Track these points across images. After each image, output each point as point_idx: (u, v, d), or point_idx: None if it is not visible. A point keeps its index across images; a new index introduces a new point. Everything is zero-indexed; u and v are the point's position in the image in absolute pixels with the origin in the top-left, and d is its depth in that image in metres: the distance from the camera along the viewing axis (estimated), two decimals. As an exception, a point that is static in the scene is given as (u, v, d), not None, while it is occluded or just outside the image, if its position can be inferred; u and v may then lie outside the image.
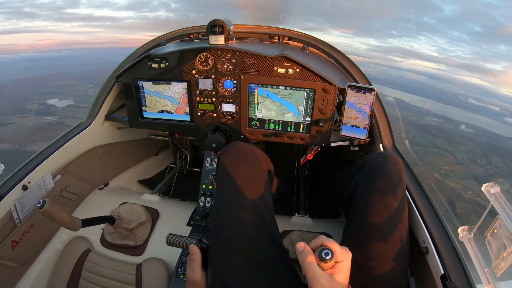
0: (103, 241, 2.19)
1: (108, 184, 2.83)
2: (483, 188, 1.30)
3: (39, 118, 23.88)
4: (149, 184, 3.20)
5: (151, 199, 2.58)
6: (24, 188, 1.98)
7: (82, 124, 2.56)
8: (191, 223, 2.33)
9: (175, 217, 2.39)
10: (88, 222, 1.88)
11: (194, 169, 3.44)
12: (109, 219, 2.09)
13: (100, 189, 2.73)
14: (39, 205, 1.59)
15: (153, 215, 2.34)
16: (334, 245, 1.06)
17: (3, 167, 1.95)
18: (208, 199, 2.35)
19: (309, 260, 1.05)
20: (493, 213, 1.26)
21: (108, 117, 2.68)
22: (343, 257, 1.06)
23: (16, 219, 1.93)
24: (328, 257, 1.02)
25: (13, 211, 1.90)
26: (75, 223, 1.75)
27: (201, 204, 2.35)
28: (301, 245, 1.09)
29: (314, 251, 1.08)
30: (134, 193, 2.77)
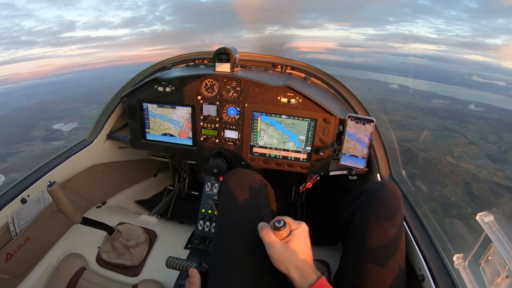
0: (99, 260, 2.14)
1: (105, 202, 2.80)
2: (477, 218, 1.28)
3: (46, 144, 24.18)
4: (146, 205, 3.17)
5: (149, 220, 2.54)
6: (23, 201, 1.94)
7: (84, 141, 2.56)
8: (189, 246, 2.29)
9: (172, 240, 2.35)
10: (88, 222, 1.88)
11: (192, 192, 3.45)
12: (108, 228, 2.06)
13: (97, 207, 2.70)
14: (48, 183, 1.59)
15: (151, 236, 2.31)
16: (287, 218, 1.20)
17: (3, 179, 1.93)
18: (207, 223, 2.33)
19: (265, 230, 1.18)
20: (487, 241, 1.25)
21: (110, 136, 2.68)
22: (296, 225, 1.19)
23: (13, 231, 1.88)
24: (280, 225, 1.15)
25: (10, 223, 1.86)
26: (76, 214, 1.76)
27: (200, 227, 2.33)
28: (261, 223, 1.24)
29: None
30: (132, 213, 2.75)
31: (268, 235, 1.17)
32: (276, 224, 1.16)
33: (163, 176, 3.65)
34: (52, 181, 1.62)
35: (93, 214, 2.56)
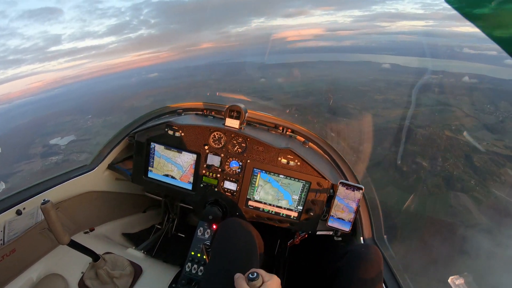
0: (82, 285, 2.13)
1: (94, 229, 2.86)
2: (449, 281, 1.45)
3: (45, 160, 24.12)
4: (133, 239, 3.22)
5: (136, 254, 2.59)
6: (18, 212, 2.01)
7: (85, 167, 2.65)
8: (173, 286, 2.35)
9: (157, 277, 2.41)
10: (76, 245, 1.90)
11: (179, 234, 3.52)
12: (94, 255, 2.07)
13: (85, 232, 2.76)
14: (43, 200, 1.63)
15: (137, 270, 2.34)
16: (260, 271, 1.31)
17: (4, 186, 2.03)
18: (195, 266, 2.38)
19: (240, 281, 1.29)
20: None
21: (111, 167, 2.77)
22: (269, 277, 1.30)
23: (0, 240, 1.92)
24: (253, 276, 1.28)
25: (1, 231, 1.91)
26: (65, 235, 1.78)
27: (188, 269, 2.37)
28: (236, 274, 1.35)
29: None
30: (118, 244, 2.79)
31: (241, 285, 1.28)
32: (250, 275, 1.29)
33: (151, 214, 3.74)
34: (46, 199, 1.65)
35: (81, 239, 2.52)
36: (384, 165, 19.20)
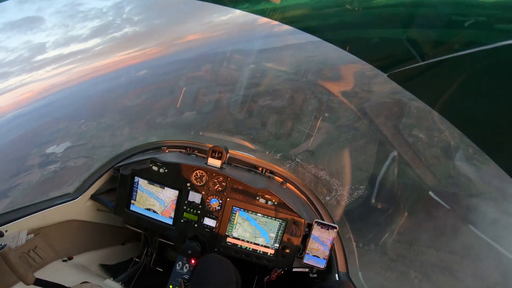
0: None
1: (72, 258, 2.88)
2: None
3: (43, 170, 24.03)
4: (110, 270, 3.26)
5: (113, 286, 2.65)
6: (0, 234, 2.05)
7: (68, 195, 2.68)
8: None
9: None
10: (42, 283, 1.90)
11: (157, 268, 3.58)
12: None
13: (63, 260, 2.77)
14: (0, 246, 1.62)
15: None
16: None
17: None
18: None
19: None
20: None
21: (93, 197, 2.84)
22: None
23: None
24: None
25: None
26: (28, 276, 1.77)
27: None
28: None
29: None
30: (95, 275, 2.83)
31: None
32: None
33: (130, 246, 3.81)
34: (3, 244, 1.67)
35: (58, 266, 2.64)
36: (380, 140, 19.29)
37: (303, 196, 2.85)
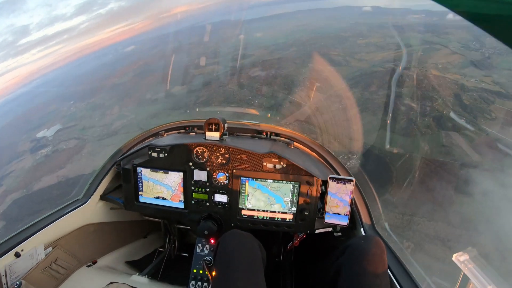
0: None
1: (96, 262, 2.85)
2: (453, 258, 1.42)
3: (35, 155, 23.82)
4: (137, 265, 3.22)
5: (140, 280, 2.62)
6: (17, 255, 2.03)
7: (77, 201, 2.65)
8: None
9: None
10: None
11: (182, 253, 3.54)
12: None
13: (88, 266, 2.76)
14: (15, 286, 1.65)
15: None
16: None
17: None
18: (199, 283, 2.39)
19: None
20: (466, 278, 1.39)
21: (103, 197, 2.78)
22: None
23: (4, 284, 1.95)
24: None
25: (3, 275, 1.93)
26: None
27: (192, 287, 2.39)
28: None
29: None
30: (122, 273, 2.83)
31: None
32: None
33: (153, 237, 3.75)
34: (18, 282, 1.66)
35: (84, 273, 2.62)
36: (373, 109, 19.40)
37: (314, 153, 2.72)
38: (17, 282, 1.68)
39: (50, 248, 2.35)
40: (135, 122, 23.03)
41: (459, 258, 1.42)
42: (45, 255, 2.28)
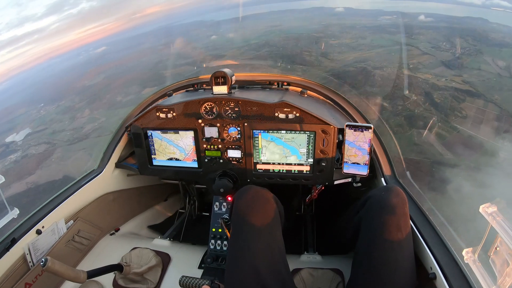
0: (116, 285, 2.18)
1: (118, 229, 2.88)
2: (480, 210, 1.26)
3: (4, 161, 22.89)
4: (159, 229, 3.26)
5: (162, 243, 2.60)
6: (38, 232, 2.05)
7: (93, 172, 2.65)
8: (202, 266, 2.36)
9: (186, 261, 2.43)
10: (95, 273, 1.89)
11: (203, 213, 3.53)
12: (116, 268, 2.08)
13: (111, 234, 2.78)
14: (41, 263, 1.61)
15: (164, 259, 2.36)
16: None
17: (18, 211, 1.96)
18: (219, 241, 2.41)
19: None
20: (494, 232, 1.24)
21: (118, 165, 2.78)
22: None
23: (30, 262, 1.99)
24: None
25: (27, 254, 1.97)
26: (79, 276, 1.76)
27: (212, 247, 2.41)
28: None
29: None
30: (145, 238, 2.87)
31: None
32: None
33: (173, 200, 3.78)
34: (44, 259, 1.61)
35: (107, 241, 2.65)
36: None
37: (329, 101, 2.61)
38: (43, 260, 1.62)
39: (71, 221, 2.37)
40: (106, 126, 22.35)
41: (487, 209, 1.26)
42: (67, 229, 2.30)
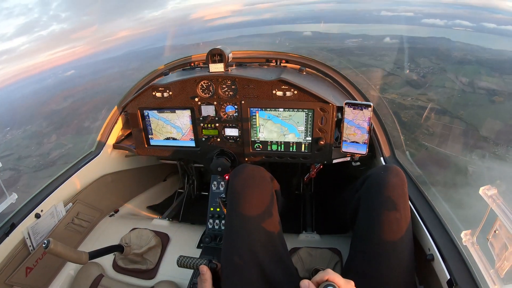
0: (115, 266, 2.19)
1: (118, 211, 2.88)
2: (480, 192, 1.24)
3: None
4: (158, 209, 3.25)
5: (161, 223, 2.60)
6: (37, 216, 2.03)
7: (91, 154, 2.62)
8: (201, 245, 2.35)
9: (185, 240, 2.42)
10: (96, 254, 1.88)
11: (202, 193, 3.53)
12: (117, 248, 2.09)
13: (110, 215, 2.76)
14: (44, 245, 1.60)
15: (163, 239, 2.35)
16: (338, 279, 1.04)
17: (16, 196, 1.90)
18: (217, 221, 2.39)
19: None
20: (493, 215, 1.21)
21: (116, 146, 2.73)
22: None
23: (30, 246, 1.97)
24: None
25: (27, 238, 1.96)
26: (81, 257, 1.76)
27: (210, 226, 2.40)
28: (305, 284, 1.05)
29: (318, 285, 1.04)
30: (144, 218, 2.87)
31: None
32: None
33: (172, 180, 3.75)
34: (46, 241, 1.61)
35: (107, 223, 2.64)
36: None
37: (328, 79, 2.56)
38: (45, 241, 1.57)
39: (70, 204, 2.34)
40: (73, 152, 22.26)
41: (487, 192, 1.23)
42: (66, 212, 2.28)
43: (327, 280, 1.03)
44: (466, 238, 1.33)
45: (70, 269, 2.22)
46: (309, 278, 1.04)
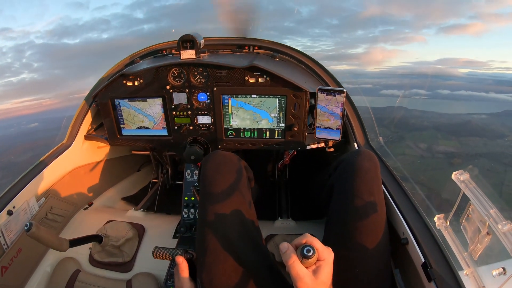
0: (92, 260, 2.16)
1: (92, 203, 2.79)
2: (453, 176, 1.36)
3: None
4: (133, 200, 3.18)
5: (136, 215, 2.55)
6: (9, 213, 1.97)
7: (62, 146, 2.53)
8: (177, 235, 2.32)
9: (160, 231, 2.40)
10: (76, 242, 1.87)
11: (177, 182, 3.45)
12: (96, 238, 2.08)
13: (84, 209, 2.66)
14: (26, 228, 1.57)
15: (139, 231, 2.33)
16: (316, 243, 1.08)
17: None
18: (192, 210, 2.38)
19: (292, 261, 1.05)
20: (465, 199, 1.33)
21: (87, 137, 2.64)
22: (326, 255, 1.08)
23: (4, 244, 1.91)
24: (310, 254, 1.02)
25: (0, 236, 1.89)
26: (62, 244, 1.75)
27: (185, 216, 2.38)
28: (284, 246, 1.10)
29: (297, 249, 1.08)
30: (119, 210, 2.78)
31: (295, 267, 1.04)
32: (305, 252, 1.02)
33: (146, 170, 3.71)
34: (28, 224, 1.61)
35: (81, 216, 2.58)
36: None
37: (301, 65, 2.59)
38: (27, 224, 1.56)
39: (43, 199, 2.27)
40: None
41: (459, 177, 1.32)
42: (39, 207, 2.22)
43: (305, 243, 1.07)
44: (439, 222, 1.42)
45: (46, 266, 2.18)
46: (285, 265, 1.07)
